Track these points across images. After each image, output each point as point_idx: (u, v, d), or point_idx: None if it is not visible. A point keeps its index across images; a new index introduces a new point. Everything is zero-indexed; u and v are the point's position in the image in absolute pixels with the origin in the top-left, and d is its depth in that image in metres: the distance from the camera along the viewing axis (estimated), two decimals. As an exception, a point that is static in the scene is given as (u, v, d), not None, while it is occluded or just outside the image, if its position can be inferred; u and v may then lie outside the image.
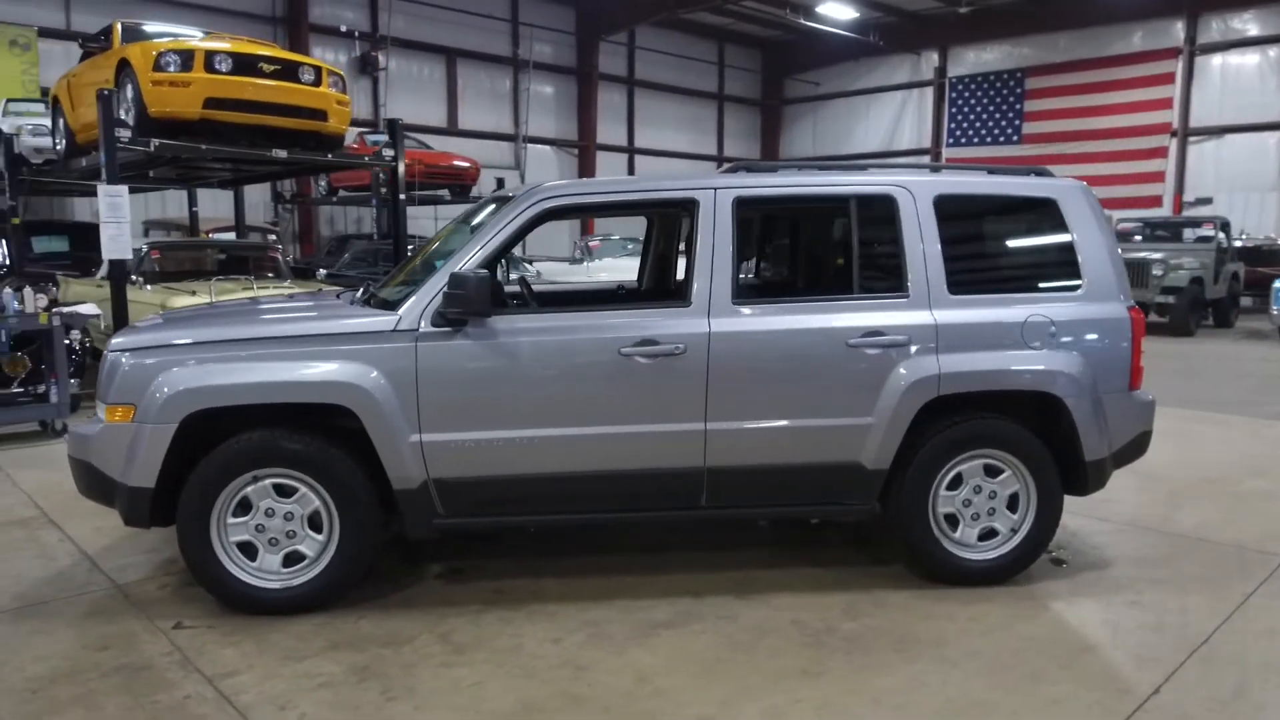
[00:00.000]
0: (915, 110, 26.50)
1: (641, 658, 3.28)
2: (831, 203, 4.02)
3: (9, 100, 12.99)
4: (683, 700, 2.98)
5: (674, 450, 3.70)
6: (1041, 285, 4.01)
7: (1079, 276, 3.96)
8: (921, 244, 3.84)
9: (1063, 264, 4.01)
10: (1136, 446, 4.08)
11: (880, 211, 3.90)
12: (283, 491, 3.56)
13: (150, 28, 9.58)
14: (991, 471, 3.89)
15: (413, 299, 3.63)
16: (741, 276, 3.96)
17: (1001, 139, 24.38)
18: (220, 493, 3.51)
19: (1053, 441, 3.92)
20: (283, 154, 8.71)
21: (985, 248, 4.24)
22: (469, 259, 3.65)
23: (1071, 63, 23.09)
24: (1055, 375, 3.83)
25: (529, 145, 23.68)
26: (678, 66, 26.73)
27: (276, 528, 3.57)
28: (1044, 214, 4.02)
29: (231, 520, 3.55)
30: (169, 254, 10.07)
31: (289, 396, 3.50)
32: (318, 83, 8.85)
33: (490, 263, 3.69)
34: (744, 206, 3.86)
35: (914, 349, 3.76)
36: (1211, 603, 3.75)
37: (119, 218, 7.86)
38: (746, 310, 3.75)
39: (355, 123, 20.33)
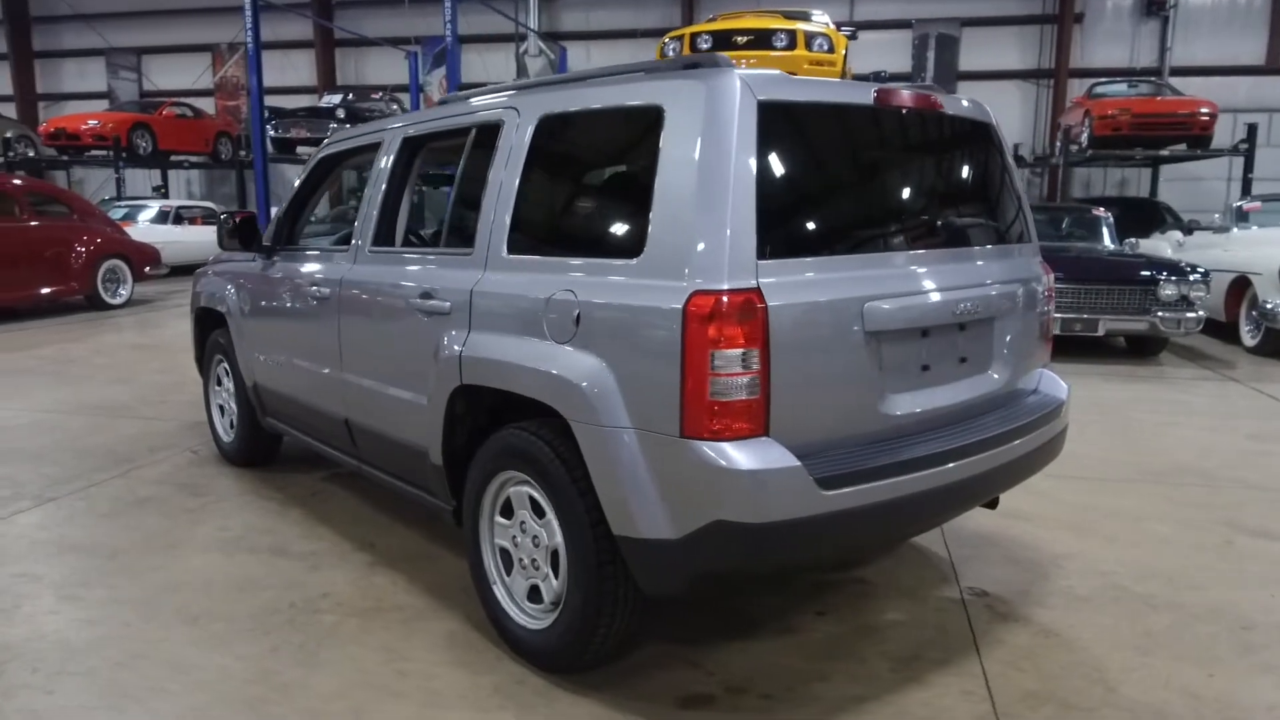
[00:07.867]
0: None
1: (173, 573, 3.47)
2: (461, 136, 3.23)
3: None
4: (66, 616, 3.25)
5: (330, 397, 3.74)
6: (603, 247, 2.54)
7: (644, 236, 2.38)
8: (500, 184, 2.88)
9: (633, 214, 2.45)
10: (717, 545, 2.24)
11: (487, 143, 3.03)
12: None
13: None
14: (539, 509, 2.74)
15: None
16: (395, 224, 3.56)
17: None
18: (210, 365, 5.03)
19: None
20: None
21: (567, 188, 2.80)
22: (281, 208, 4.31)
23: None
24: (556, 383, 2.49)
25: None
26: None
27: (224, 398, 4.93)
28: (642, 133, 2.50)
29: (215, 387, 5.05)
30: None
31: (207, 304, 4.80)
32: (791, 46, 9.08)
33: (294, 211, 4.25)
34: (413, 145, 3.50)
35: (454, 321, 2.93)
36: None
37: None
38: (370, 259, 3.49)
39: (1120, 72, 18.10)
